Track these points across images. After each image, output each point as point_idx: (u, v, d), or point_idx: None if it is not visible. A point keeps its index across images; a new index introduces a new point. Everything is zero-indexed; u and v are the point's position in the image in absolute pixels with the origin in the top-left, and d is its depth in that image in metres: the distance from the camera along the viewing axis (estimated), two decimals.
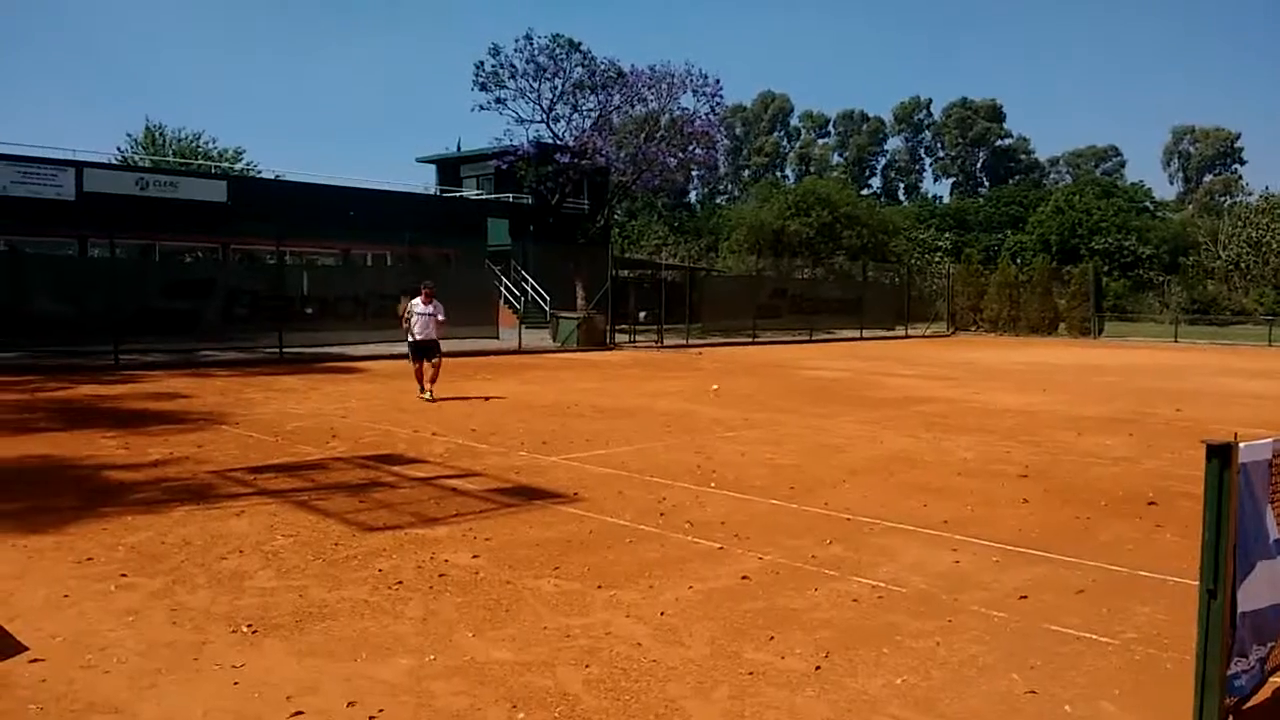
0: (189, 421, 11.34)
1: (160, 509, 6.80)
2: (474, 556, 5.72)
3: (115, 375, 17.09)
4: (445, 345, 14.56)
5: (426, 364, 14.11)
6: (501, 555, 5.76)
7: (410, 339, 14.29)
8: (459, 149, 45.36)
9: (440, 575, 5.33)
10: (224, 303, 22.09)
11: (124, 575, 5.25)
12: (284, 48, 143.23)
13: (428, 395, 13.93)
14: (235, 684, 3.83)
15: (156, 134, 49.08)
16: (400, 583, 5.19)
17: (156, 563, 5.49)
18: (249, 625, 4.49)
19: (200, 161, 45.84)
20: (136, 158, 45.35)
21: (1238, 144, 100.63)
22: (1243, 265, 59.24)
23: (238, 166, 48.29)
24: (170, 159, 44.18)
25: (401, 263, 30.87)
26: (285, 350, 21.33)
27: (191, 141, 49.52)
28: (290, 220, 26.62)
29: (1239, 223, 62.64)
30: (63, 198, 27.41)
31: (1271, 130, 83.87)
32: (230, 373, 18.09)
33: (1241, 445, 3.24)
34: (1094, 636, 4.53)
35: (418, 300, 14.38)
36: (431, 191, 42.00)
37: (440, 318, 14.39)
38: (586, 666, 4.06)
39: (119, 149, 47.71)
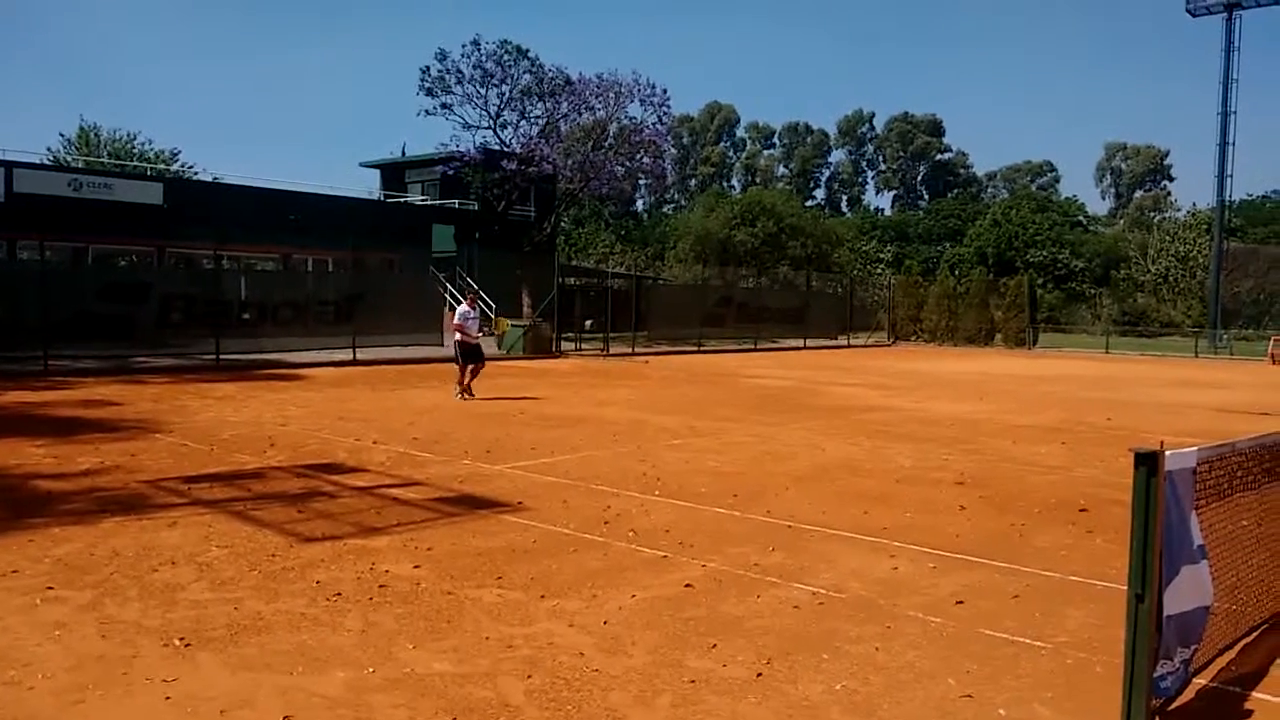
0: (121, 430, 11.05)
1: (90, 520, 6.61)
2: (415, 567, 5.66)
3: (45, 382, 16.58)
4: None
5: (473, 366, 15.26)
6: (443, 565, 5.71)
7: (463, 345, 15.38)
8: (404, 154, 44.92)
9: (380, 586, 5.26)
10: (159, 308, 21.57)
11: (51, 588, 5.10)
12: (224, 49, 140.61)
13: (458, 394, 15.05)
14: (167, 699, 3.74)
15: (91, 134, 47.82)
16: (339, 594, 5.11)
17: (85, 575, 5.34)
18: (181, 639, 4.38)
19: (135, 163, 44.75)
20: (69, 158, 44.13)
21: (1167, 161, 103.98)
22: (1171, 279, 61.15)
23: (173, 168, 47.23)
24: (104, 160, 43.05)
25: (344, 268, 30.45)
26: (222, 357, 20.88)
27: (126, 142, 48.33)
28: (229, 224, 26.13)
29: (1167, 238, 64.66)
30: None
31: (1199, 148, 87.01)
32: (165, 380, 17.66)
33: (1168, 453, 3.35)
34: (1028, 641, 4.63)
35: (464, 306, 15.77)
36: (376, 196, 41.52)
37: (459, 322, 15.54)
38: (528, 677, 4.04)
39: (49, 149, 46.42)
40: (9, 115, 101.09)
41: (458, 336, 15.37)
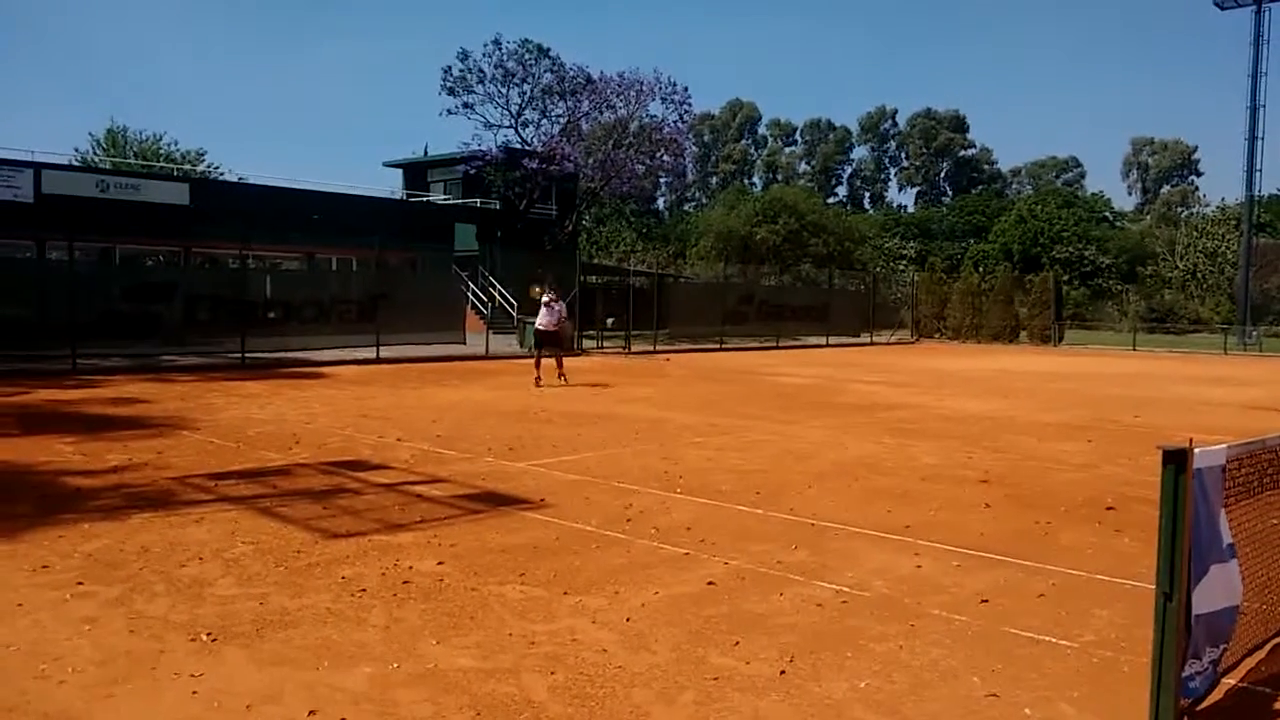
0: (149, 427, 11.17)
1: (118, 516, 6.69)
2: (439, 563, 5.69)
3: (73, 380, 16.80)
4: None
5: (547, 354, 16.85)
6: (466, 562, 5.73)
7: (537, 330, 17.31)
8: (426, 153, 45.09)
9: (404, 582, 5.29)
10: (185, 307, 21.79)
11: (80, 583, 5.16)
12: (250, 49, 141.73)
13: (561, 380, 16.55)
14: (194, 693, 3.78)
15: (118, 135, 48.40)
16: (363, 590, 5.14)
17: (114, 570, 5.40)
18: (208, 634, 4.43)
19: (161, 164, 45.22)
20: (96, 159, 44.65)
21: (1194, 156, 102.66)
22: (1199, 275, 60.46)
23: (199, 168, 47.68)
24: (131, 161, 43.52)
25: (367, 267, 30.63)
26: (248, 355, 21.07)
27: (153, 143, 48.87)
28: (254, 223, 26.31)
29: (1195, 233, 63.96)
30: (20, 199, 26.87)
31: (1227, 143, 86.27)
32: (191, 378, 17.84)
33: (1196, 451, 3.31)
34: (1053, 640, 4.59)
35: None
36: (398, 196, 41.72)
37: (562, 315, 17.40)
38: (551, 673, 4.05)
39: (77, 150, 47.03)
40: (37, 117, 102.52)
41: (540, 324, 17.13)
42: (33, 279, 21.28)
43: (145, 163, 44.01)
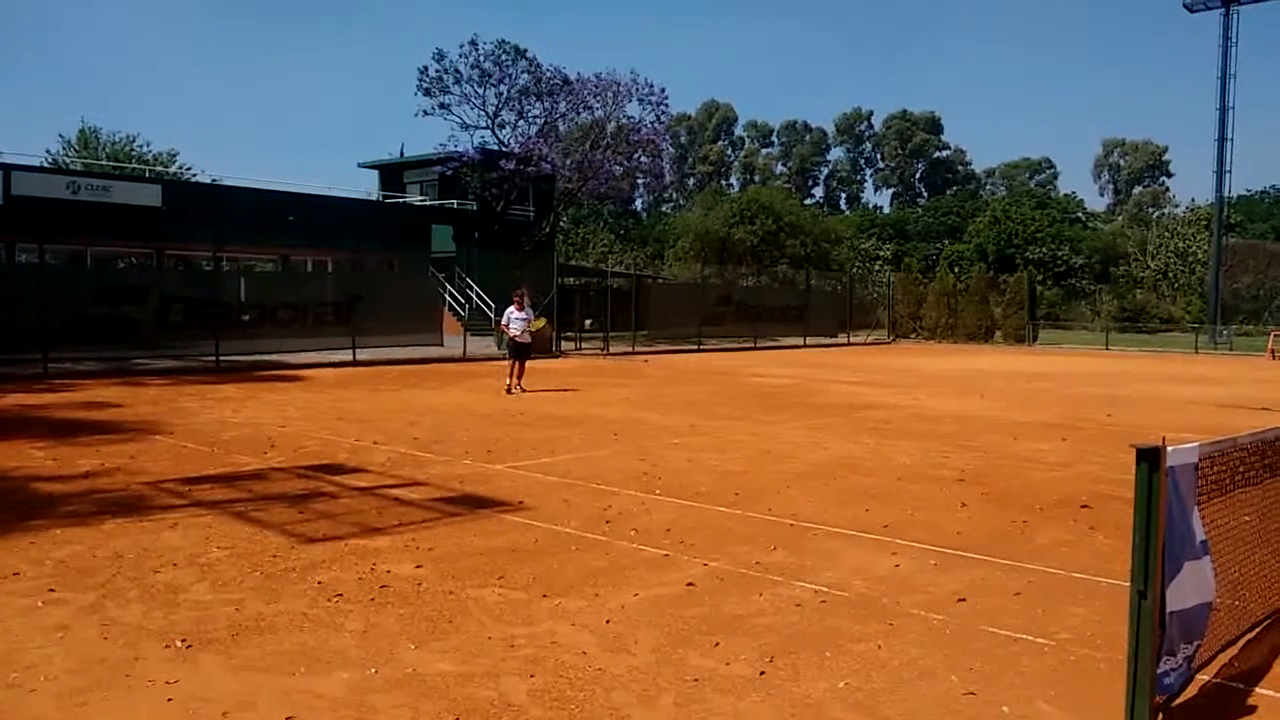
0: (121, 431, 11.04)
1: (91, 522, 6.61)
2: (417, 567, 5.65)
3: (44, 384, 16.58)
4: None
5: (519, 362, 16.36)
6: (445, 565, 5.71)
7: (510, 342, 16.69)
8: (402, 155, 44.88)
9: (382, 586, 5.26)
10: (158, 310, 21.55)
11: (52, 590, 5.09)
12: (221, 51, 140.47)
13: (519, 389, 16.08)
14: (169, 700, 3.74)
15: (90, 136, 47.84)
16: (340, 595, 5.10)
17: (87, 577, 5.33)
18: (183, 640, 4.38)
19: (133, 165, 44.73)
20: (67, 160, 44.13)
21: (1165, 157, 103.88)
22: (1170, 275, 61.15)
23: (172, 170, 47.21)
24: (102, 162, 43.02)
25: (343, 269, 30.45)
26: (222, 358, 20.88)
27: (125, 144, 48.34)
28: (228, 225, 26.13)
29: (1166, 233, 64.72)
30: None
31: (1197, 144, 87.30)
32: (165, 381, 17.65)
33: (1169, 449, 3.34)
34: (1030, 638, 4.63)
35: (512, 308, 16.70)
36: (374, 197, 41.48)
37: (530, 320, 16.86)
38: (531, 676, 4.04)
39: (48, 151, 46.47)
40: (8, 119, 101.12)
41: (516, 335, 16.62)
42: (2, 282, 20.98)
43: (117, 164, 43.50)
